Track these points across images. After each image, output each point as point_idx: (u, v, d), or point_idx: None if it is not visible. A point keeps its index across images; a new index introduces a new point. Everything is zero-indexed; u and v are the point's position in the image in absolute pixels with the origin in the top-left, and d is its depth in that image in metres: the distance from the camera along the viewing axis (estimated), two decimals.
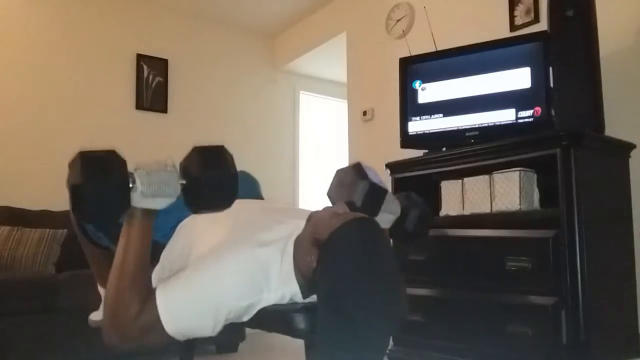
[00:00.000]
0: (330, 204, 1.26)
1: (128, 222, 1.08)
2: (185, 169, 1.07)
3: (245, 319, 1.14)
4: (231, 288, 1.09)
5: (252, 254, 1.13)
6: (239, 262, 1.11)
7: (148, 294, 1.08)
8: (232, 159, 1.10)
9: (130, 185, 1.01)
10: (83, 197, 0.97)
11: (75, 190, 0.97)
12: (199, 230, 1.26)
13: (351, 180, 1.24)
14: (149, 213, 1.08)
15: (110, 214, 1.02)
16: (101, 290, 1.61)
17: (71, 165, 0.99)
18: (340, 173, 1.29)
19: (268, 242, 1.17)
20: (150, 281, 1.14)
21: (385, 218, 1.38)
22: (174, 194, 1.06)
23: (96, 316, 1.63)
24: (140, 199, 1.03)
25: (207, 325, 1.08)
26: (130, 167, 1.02)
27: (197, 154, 1.07)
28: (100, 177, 0.97)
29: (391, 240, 1.34)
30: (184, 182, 1.07)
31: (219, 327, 1.10)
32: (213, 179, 1.06)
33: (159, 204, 1.06)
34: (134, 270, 1.08)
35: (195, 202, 1.08)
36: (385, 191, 1.28)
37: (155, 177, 1.03)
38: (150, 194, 1.03)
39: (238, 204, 1.31)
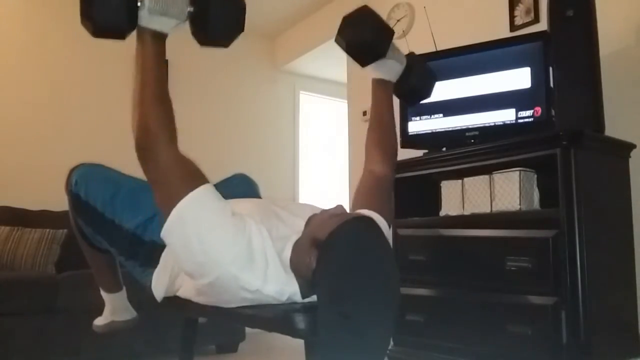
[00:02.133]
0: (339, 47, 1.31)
1: (141, 47, 1.13)
2: None
3: (233, 304, 1.12)
4: (231, 245, 1.06)
5: (261, 238, 1.12)
6: (250, 235, 1.10)
7: (174, 130, 1.16)
8: None
9: (139, 4, 1.06)
10: (91, 2, 1.02)
11: None
12: None
13: (361, 17, 1.29)
14: (158, 36, 1.12)
15: (118, 24, 1.06)
16: (103, 293, 1.61)
17: None
18: (346, 16, 1.36)
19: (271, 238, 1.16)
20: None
21: (393, 67, 1.42)
22: (180, 15, 1.10)
23: (101, 321, 1.63)
24: (148, 17, 1.07)
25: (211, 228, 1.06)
26: None
27: None
28: None
29: (391, 242, 1.34)
30: (191, 9, 1.11)
31: (200, 256, 1.06)
32: (220, 8, 1.10)
33: (166, 24, 1.10)
34: (156, 90, 1.13)
35: (202, 29, 1.13)
36: (393, 31, 1.32)
37: None
38: (156, 10, 1.07)
39: (242, 202, 1.30)
